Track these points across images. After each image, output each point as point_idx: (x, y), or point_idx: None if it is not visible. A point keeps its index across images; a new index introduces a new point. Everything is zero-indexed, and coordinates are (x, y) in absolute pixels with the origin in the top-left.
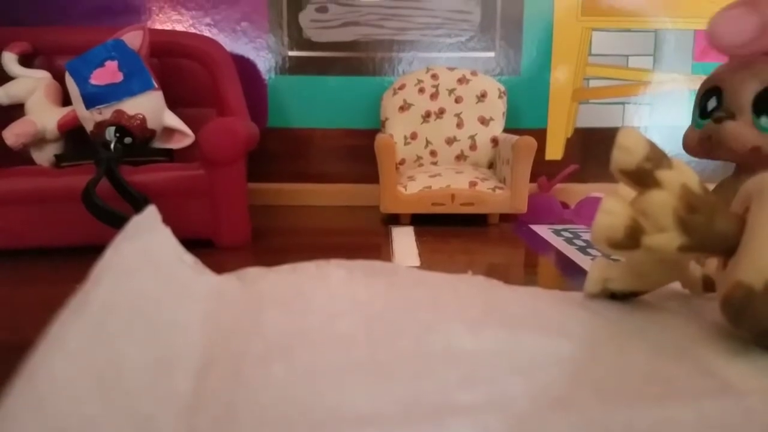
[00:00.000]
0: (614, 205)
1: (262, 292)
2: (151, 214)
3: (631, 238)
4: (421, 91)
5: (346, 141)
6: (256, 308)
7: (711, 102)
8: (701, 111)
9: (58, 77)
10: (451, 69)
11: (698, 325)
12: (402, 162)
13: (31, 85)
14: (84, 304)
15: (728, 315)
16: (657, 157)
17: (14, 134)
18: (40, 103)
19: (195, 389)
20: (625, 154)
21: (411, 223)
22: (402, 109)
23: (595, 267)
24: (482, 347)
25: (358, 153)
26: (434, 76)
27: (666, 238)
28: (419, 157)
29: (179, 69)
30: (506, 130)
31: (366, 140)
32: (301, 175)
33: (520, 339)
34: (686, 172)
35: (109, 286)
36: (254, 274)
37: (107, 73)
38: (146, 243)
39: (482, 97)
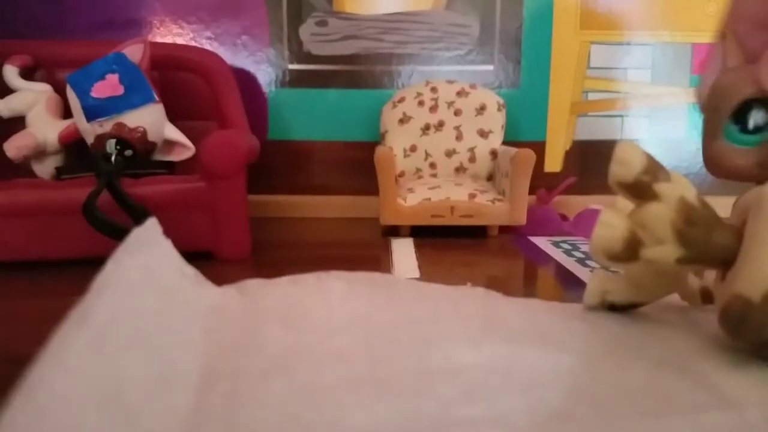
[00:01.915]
0: (613, 217)
1: (263, 306)
2: (151, 226)
3: (630, 251)
4: (421, 104)
5: (346, 153)
6: (256, 323)
7: (757, 115)
8: (743, 126)
9: (59, 90)
10: (450, 82)
11: (697, 338)
12: (402, 174)
13: (32, 98)
14: (85, 319)
15: (727, 327)
16: (655, 169)
17: (15, 147)
18: (41, 116)
19: (196, 406)
20: (622, 167)
21: (411, 235)
22: (401, 121)
23: (594, 279)
24: (482, 363)
25: (358, 165)
26: (433, 89)
27: (664, 251)
28: (419, 170)
29: (180, 82)
30: (505, 143)
31: (366, 153)
32: (302, 187)
33: (520, 354)
34: (684, 184)
35: (110, 300)
36: (254, 286)
37: (108, 86)
38: (147, 256)
39: (481, 109)
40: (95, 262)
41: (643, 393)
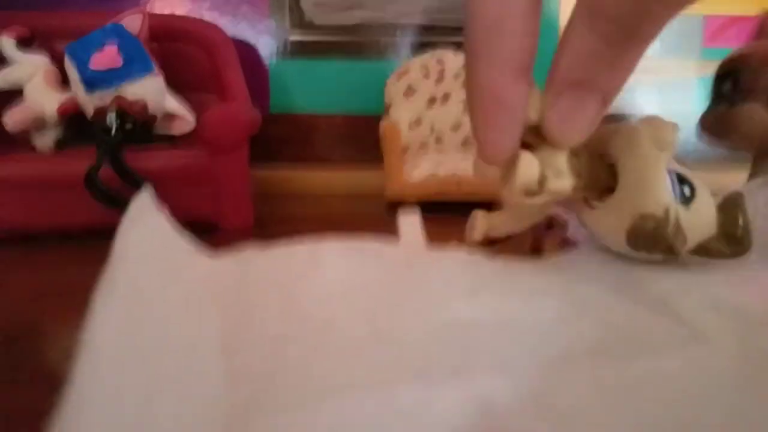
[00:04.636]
0: (531, 160)
1: (261, 276)
2: (146, 197)
3: (539, 186)
4: (426, 75)
5: (349, 126)
6: (252, 294)
7: (726, 84)
8: (716, 94)
9: (58, 61)
10: (457, 53)
11: (673, 278)
12: (406, 148)
13: (30, 70)
14: (109, 289)
15: (640, 244)
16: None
17: (14, 119)
18: (40, 88)
19: (225, 370)
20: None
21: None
22: (406, 94)
23: (479, 218)
24: (480, 318)
25: (362, 139)
26: (439, 61)
27: (563, 183)
28: (424, 144)
29: (179, 53)
30: None
31: (370, 126)
32: (305, 161)
33: (518, 307)
34: None
35: (116, 275)
36: (250, 255)
37: (107, 57)
38: (142, 230)
39: None
40: (97, 236)
41: (629, 332)
